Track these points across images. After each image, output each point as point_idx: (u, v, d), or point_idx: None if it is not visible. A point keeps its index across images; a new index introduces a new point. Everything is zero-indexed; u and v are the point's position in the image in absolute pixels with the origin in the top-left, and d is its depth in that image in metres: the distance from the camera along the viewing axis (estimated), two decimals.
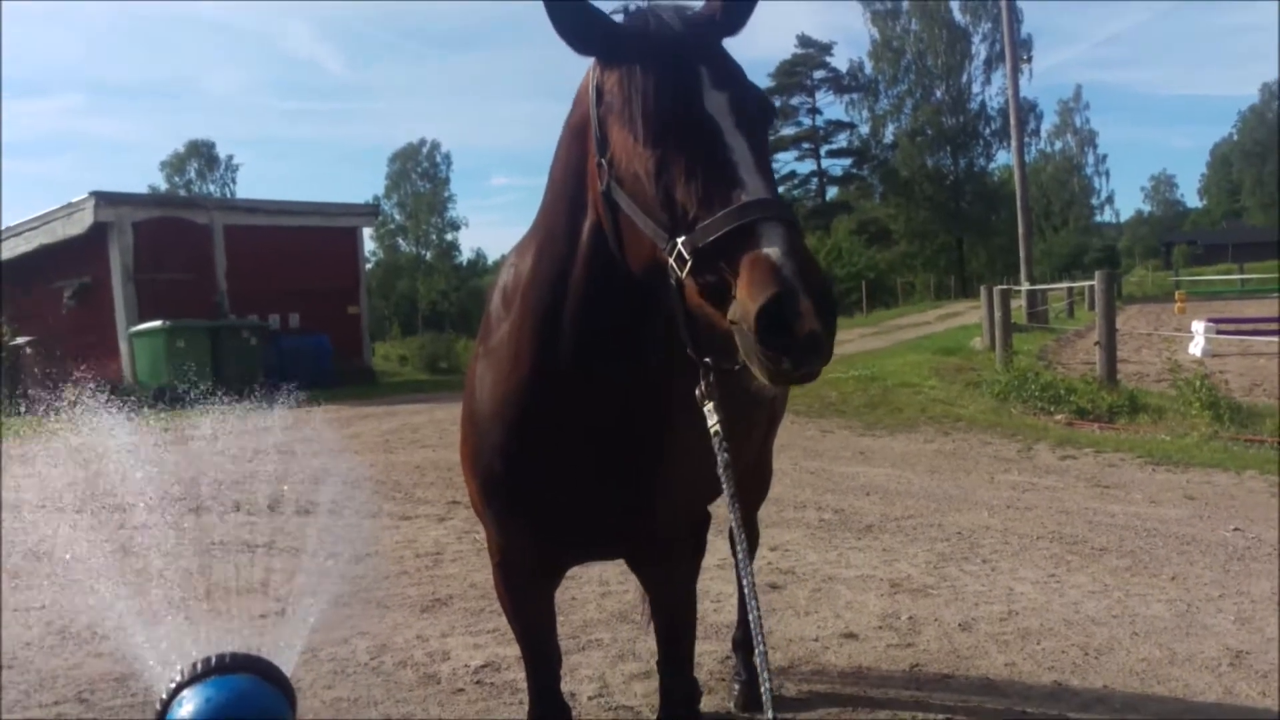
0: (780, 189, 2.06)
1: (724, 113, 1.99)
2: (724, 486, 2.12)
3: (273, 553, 6.43)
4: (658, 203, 1.96)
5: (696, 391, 2.14)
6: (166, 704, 2.30)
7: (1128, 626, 5.13)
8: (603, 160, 2.10)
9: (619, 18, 2.17)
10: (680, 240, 1.90)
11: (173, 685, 2.32)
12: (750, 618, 2.10)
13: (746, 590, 2.09)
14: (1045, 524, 7.39)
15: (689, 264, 1.88)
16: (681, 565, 2.92)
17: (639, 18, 2.14)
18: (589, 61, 2.21)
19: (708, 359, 2.10)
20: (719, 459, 2.12)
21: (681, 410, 2.50)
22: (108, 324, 22.26)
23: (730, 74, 2.08)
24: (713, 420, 2.14)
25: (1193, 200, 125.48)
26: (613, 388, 2.43)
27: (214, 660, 2.33)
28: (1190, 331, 20.64)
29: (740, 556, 2.17)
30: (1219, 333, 20.03)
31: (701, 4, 2.23)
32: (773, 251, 1.79)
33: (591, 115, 2.16)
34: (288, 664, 2.52)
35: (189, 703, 2.27)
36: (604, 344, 2.37)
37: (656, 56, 2.03)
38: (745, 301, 1.78)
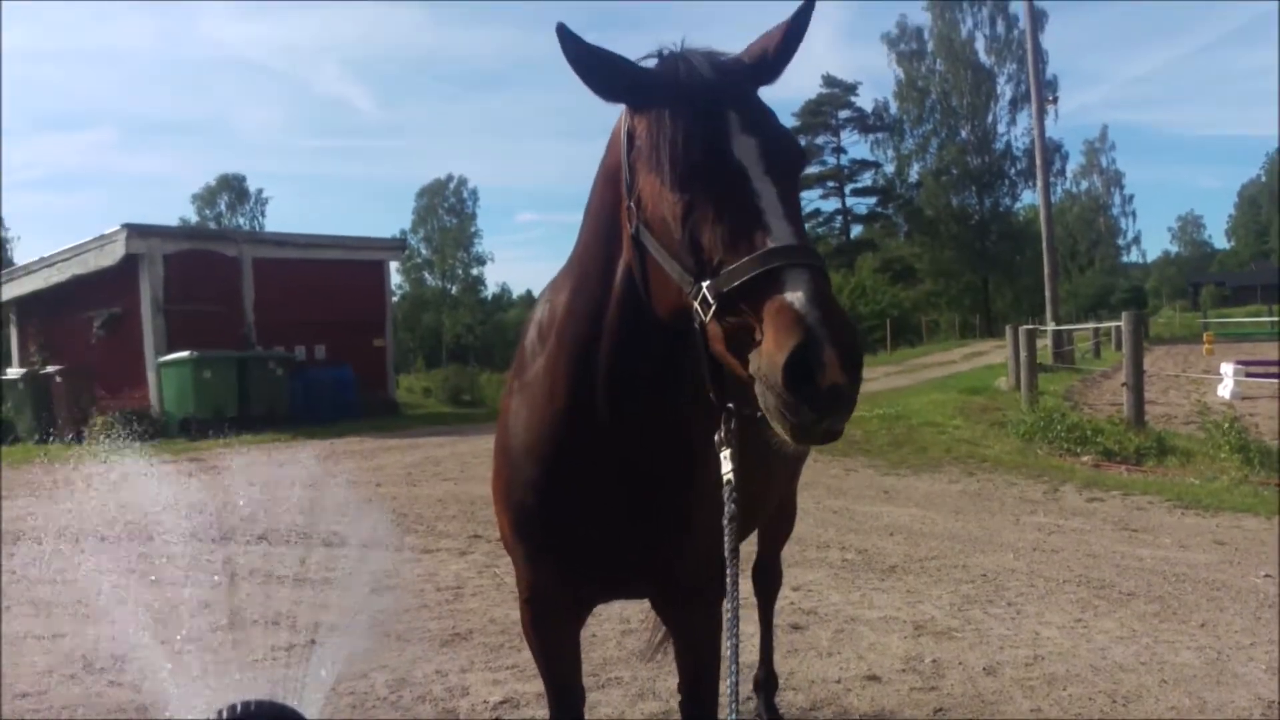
0: (806, 225, 2.05)
1: (753, 158, 1.97)
2: (725, 538, 2.10)
3: (298, 585, 6.44)
4: (684, 247, 1.96)
5: (716, 437, 2.13)
6: None
7: (1156, 674, 5.05)
8: (632, 204, 2.12)
9: (651, 63, 2.17)
10: (705, 285, 1.89)
11: None
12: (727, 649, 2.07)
13: (728, 625, 2.07)
14: (1072, 567, 7.30)
15: (712, 308, 1.88)
16: (709, 606, 2.90)
17: (670, 63, 2.14)
18: (617, 104, 2.23)
19: (729, 405, 2.09)
20: (725, 509, 2.11)
21: (711, 450, 2.51)
22: (136, 354, 22.47)
23: (760, 120, 2.06)
24: (726, 468, 2.12)
25: (1220, 241, 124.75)
26: (645, 426, 2.43)
27: (239, 708, 2.34)
28: (1219, 373, 20.45)
29: (730, 586, 2.10)
30: (1248, 375, 19.83)
31: (745, 48, 2.22)
32: (796, 299, 1.77)
33: (622, 159, 2.17)
34: (315, 704, 2.52)
35: None
36: (637, 383, 2.37)
37: (685, 102, 2.03)
38: (769, 351, 1.76)
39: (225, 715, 2.32)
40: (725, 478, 2.11)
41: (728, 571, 2.10)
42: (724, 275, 1.86)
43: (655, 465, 2.47)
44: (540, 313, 2.67)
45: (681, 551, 2.60)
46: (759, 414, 1.92)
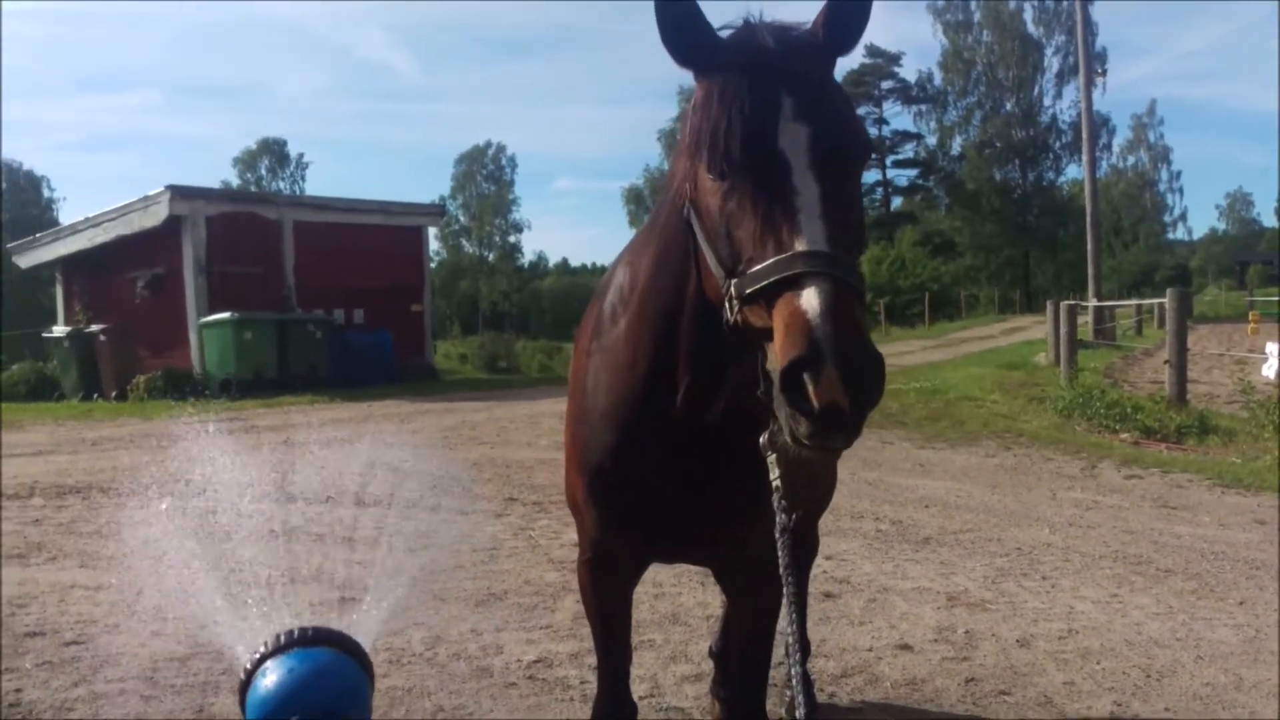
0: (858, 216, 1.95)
1: (800, 149, 1.86)
2: (779, 551, 2.00)
3: (334, 543, 6.53)
4: (720, 237, 1.90)
5: (760, 441, 2.02)
6: (251, 674, 2.36)
7: (1192, 650, 5.01)
8: (687, 185, 2.06)
9: (728, 33, 2.04)
10: (733, 281, 1.85)
11: (257, 656, 2.38)
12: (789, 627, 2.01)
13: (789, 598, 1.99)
14: (1108, 543, 7.24)
15: (737, 309, 1.84)
16: (773, 577, 2.91)
17: (738, 35, 2.02)
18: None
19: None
20: (778, 519, 2.01)
21: None
22: (179, 314, 22.77)
23: (819, 105, 1.92)
24: (774, 474, 2.02)
25: (1269, 219, 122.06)
26: (722, 394, 2.40)
27: (296, 633, 2.39)
28: (1264, 353, 20.08)
29: (787, 563, 2.02)
30: None
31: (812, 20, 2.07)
32: (810, 309, 1.68)
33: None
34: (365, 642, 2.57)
35: (272, 673, 2.33)
36: (716, 353, 2.33)
37: (736, 81, 1.91)
38: (773, 357, 1.72)
39: (283, 639, 2.38)
40: (774, 484, 2.02)
41: (785, 592, 2.00)
42: (749, 275, 1.80)
43: (733, 435, 2.44)
44: (621, 277, 2.63)
45: (754, 521, 2.58)
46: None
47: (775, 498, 2.02)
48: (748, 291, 1.78)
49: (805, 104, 1.90)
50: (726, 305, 1.87)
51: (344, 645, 2.44)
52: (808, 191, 1.82)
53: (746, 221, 1.83)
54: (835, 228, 1.81)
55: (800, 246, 1.76)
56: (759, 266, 1.77)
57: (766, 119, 1.87)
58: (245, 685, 2.37)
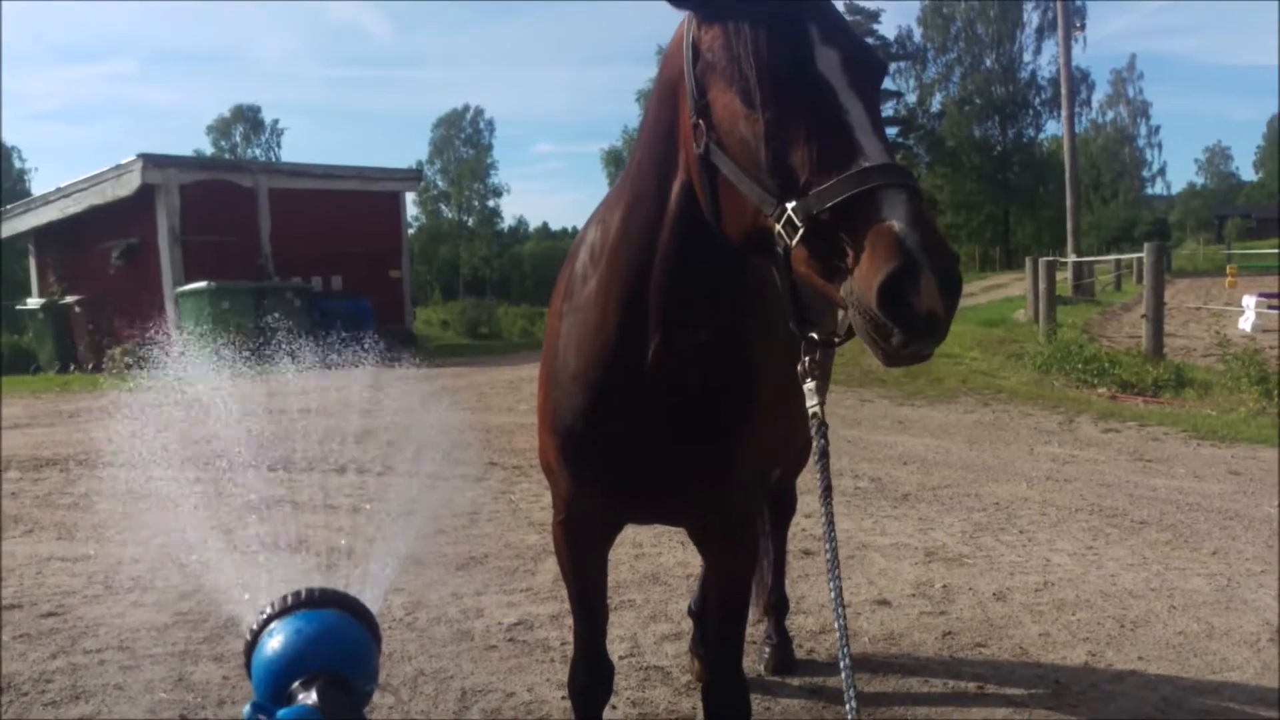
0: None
1: (836, 71, 1.87)
2: (819, 475, 2.02)
3: (310, 510, 6.53)
4: (766, 167, 1.85)
5: (798, 368, 2.03)
6: (257, 634, 2.36)
7: (1165, 600, 5.08)
8: (700, 121, 2.01)
9: None
10: (791, 205, 1.79)
11: (264, 617, 2.37)
12: (833, 597, 2.02)
13: (830, 567, 2.01)
14: (1085, 496, 7.31)
15: (800, 231, 1.78)
16: (749, 536, 2.91)
17: None
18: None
19: (812, 334, 1.99)
20: (815, 444, 2.03)
21: (758, 376, 2.51)
22: (154, 284, 22.54)
23: (840, 29, 1.95)
24: (812, 402, 2.02)
25: (1248, 173, 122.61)
26: (695, 350, 2.39)
27: (304, 594, 2.38)
28: (1240, 306, 20.25)
29: (827, 527, 2.03)
30: (1270, 308, 19.63)
31: None
32: (896, 222, 1.67)
33: (687, 74, 2.06)
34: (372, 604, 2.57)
35: (279, 634, 2.32)
36: (688, 306, 2.34)
37: (764, 13, 1.91)
38: (864, 274, 1.68)
39: (289, 600, 2.37)
40: (811, 411, 2.02)
41: (822, 510, 2.03)
42: (814, 196, 1.76)
43: (705, 392, 2.44)
44: (593, 235, 2.59)
45: (729, 479, 2.59)
46: (838, 339, 1.90)
47: (814, 424, 2.04)
48: (818, 210, 1.75)
49: (829, 29, 1.93)
50: (779, 232, 1.82)
51: (351, 607, 2.44)
52: (855, 110, 1.84)
53: (801, 146, 1.81)
54: (886, 141, 1.84)
55: (865, 162, 1.76)
56: (826, 185, 1.75)
57: (803, 45, 1.89)
58: (251, 646, 2.37)
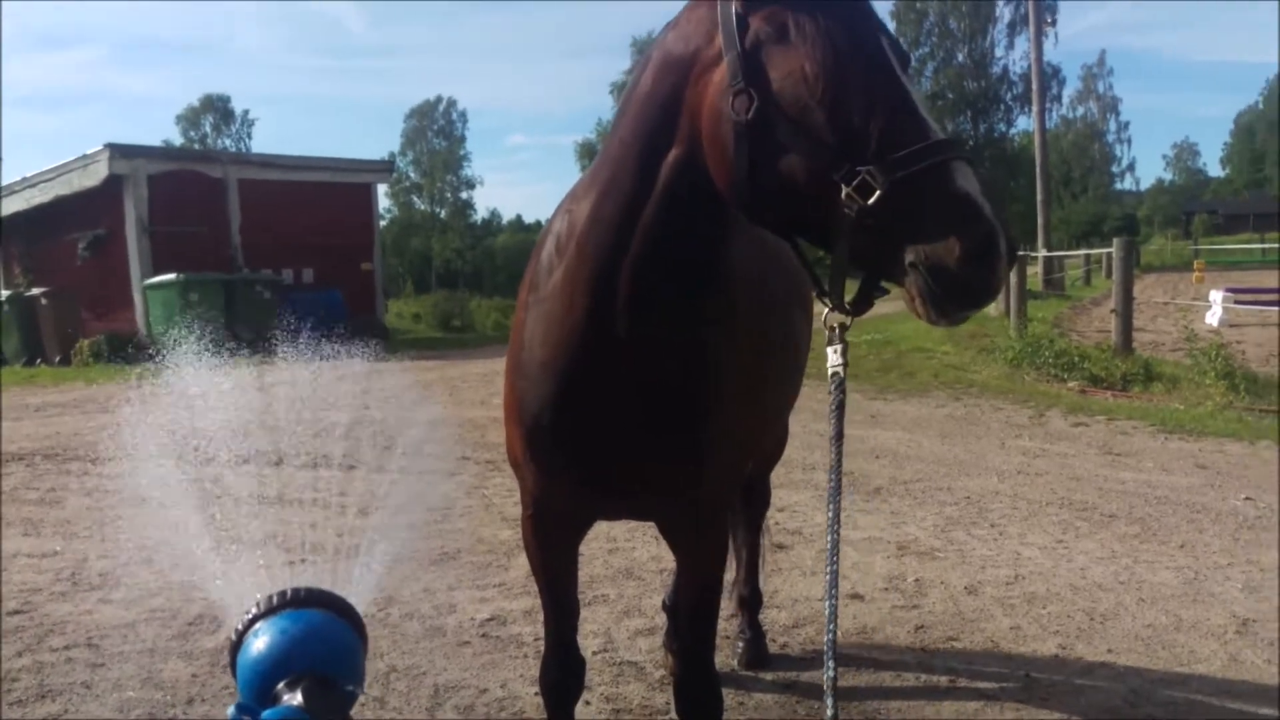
0: None
1: (890, 55, 1.99)
2: (831, 426, 2.12)
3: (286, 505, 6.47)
4: (837, 135, 1.92)
5: (826, 331, 2.11)
6: (242, 635, 2.33)
7: (1134, 593, 5.12)
8: (750, 89, 2.02)
9: None
10: (866, 169, 1.85)
11: (248, 617, 2.34)
12: (827, 607, 2.08)
13: (829, 572, 2.09)
14: (1055, 490, 7.37)
15: (878, 194, 1.83)
16: (718, 530, 2.90)
17: None
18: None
19: (844, 302, 2.06)
20: (833, 399, 2.12)
21: (730, 365, 2.50)
22: (122, 276, 22.32)
23: (880, 21, 2.08)
24: (836, 361, 2.11)
25: (1215, 169, 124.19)
26: (666, 338, 2.38)
27: (289, 594, 2.35)
28: (1208, 301, 20.48)
29: (833, 516, 2.11)
30: (1237, 303, 19.88)
31: None
32: (974, 190, 1.81)
33: (729, 45, 2.08)
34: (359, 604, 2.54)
35: (264, 634, 2.29)
36: (661, 292, 2.32)
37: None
38: (948, 236, 1.78)
39: (275, 600, 2.34)
40: (832, 371, 2.11)
41: (829, 479, 2.12)
42: (894, 161, 1.84)
43: (675, 382, 2.43)
44: (559, 225, 2.56)
45: (700, 471, 2.57)
46: (857, 312, 2.01)
47: (833, 384, 2.11)
48: (901, 174, 1.83)
49: (875, 20, 2.06)
50: (848, 194, 1.86)
51: (337, 607, 2.41)
52: (913, 91, 1.97)
53: (875, 115, 1.90)
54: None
55: (935, 136, 1.88)
56: (909, 151, 1.83)
57: (866, 26, 2.01)
58: (236, 647, 2.34)
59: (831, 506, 2.10)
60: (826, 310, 2.08)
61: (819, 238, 2.00)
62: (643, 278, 2.31)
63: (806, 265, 2.06)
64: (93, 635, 4.61)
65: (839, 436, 2.12)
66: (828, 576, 2.10)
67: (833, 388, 2.11)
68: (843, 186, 1.87)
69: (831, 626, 2.08)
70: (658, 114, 2.22)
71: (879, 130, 1.88)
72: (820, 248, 2.02)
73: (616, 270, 2.32)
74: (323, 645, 2.30)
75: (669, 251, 2.28)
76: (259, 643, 2.28)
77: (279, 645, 2.27)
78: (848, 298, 2.04)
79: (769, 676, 4.20)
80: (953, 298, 1.81)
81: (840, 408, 2.11)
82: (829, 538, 2.10)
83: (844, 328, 2.08)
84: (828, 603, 2.07)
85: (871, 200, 1.84)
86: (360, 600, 2.68)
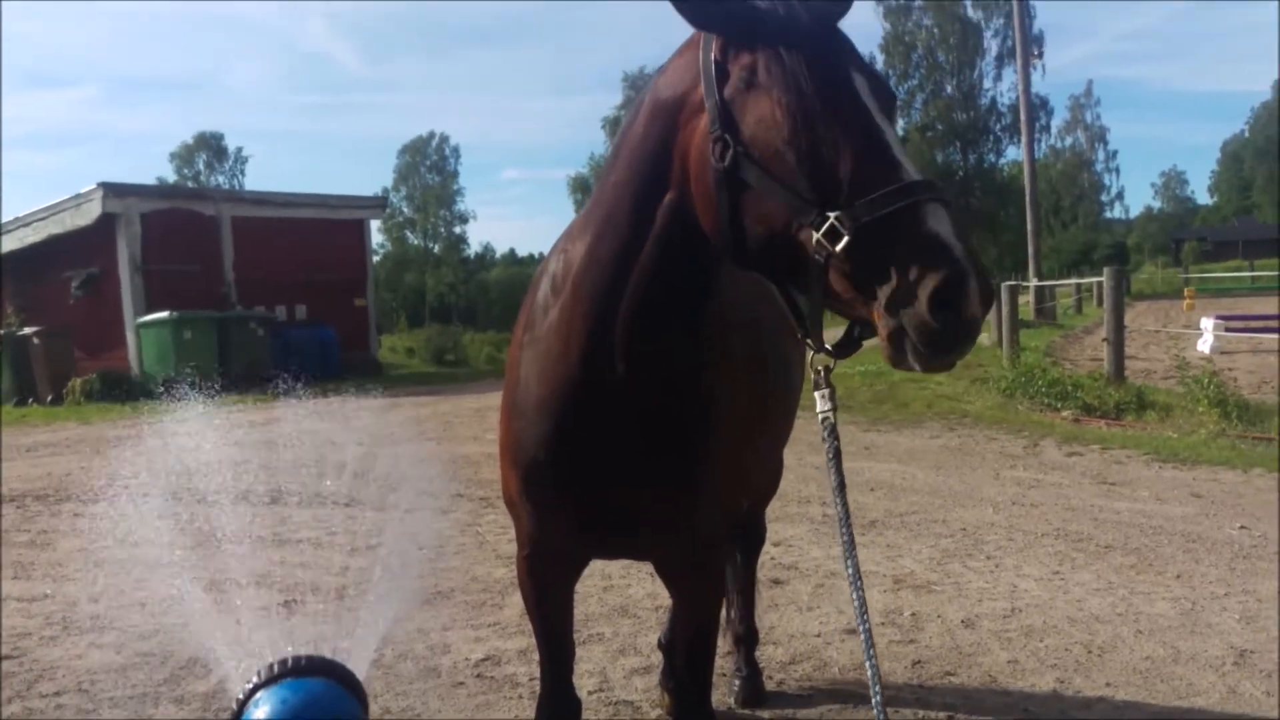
0: None
1: (868, 97, 1.97)
2: (830, 475, 2.12)
3: (285, 545, 6.44)
4: (806, 179, 1.91)
5: (813, 376, 2.12)
6: (243, 704, 2.31)
7: (1131, 624, 5.10)
8: (725, 136, 2.03)
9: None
10: (834, 215, 1.84)
11: (249, 686, 2.33)
12: (862, 633, 2.10)
13: (856, 603, 2.11)
14: (1050, 521, 7.36)
15: (845, 239, 1.82)
16: (715, 569, 2.89)
17: (768, 4, 2.09)
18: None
19: (827, 347, 2.05)
20: (827, 446, 2.11)
21: (723, 405, 2.51)
22: (115, 314, 22.31)
23: (861, 60, 2.06)
24: (824, 407, 2.11)
25: (1203, 197, 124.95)
26: (662, 377, 2.38)
27: (290, 662, 2.34)
28: (1199, 328, 20.56)
29: (846, 547, 2.13)
30: (1227, 330, 19.96)
31: None
32: (945, 232, 1.78)
33: (709, 93, 2.09)
34: (360, 667, 2.53)
35: (265, 704, 2.28)
36: (656, 332, 2.32)
37: (801, 40, 1.99)
38: (915, 280, 1.74)
39: (276, 668, 2.33)
40: (822, 417, 2.11)
41: (839, 519, 2.11)
42: (863, 205, 1.82)
43: (671, 420, 2.43)
44: (555, 265, 2.57)
45: (695, 510, 2.57)
46: (841, 355, 2.01)
47: (824, 431, 2.11)
48: (866, 219, 1.81)
49: (855, 59, 2.04)
50: (818, 241, 1.86)
51: (337, 675, 2.40)
52: (890, 132, 1.94)
53: (844, 160, 1.88)
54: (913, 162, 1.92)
55: (907, 178, 1.85)
56: (876, 195, 1.82)
57: (842, 69, 1.99)
58: (237, 716, 2.32)
59: (850, 564, 2.10)
60: (812, 353, 2.07)
61: (798, 282, 1.99)
62: (638, 318, 2.31)
63: (789, 307, 2.05)
64: (83, 680, 4.57)
65: (842, 487, 2.11)
66: (862, 634, 2.10)
67: (825, 435, 2.11)
68: (813, 233, 1.87)
69: (876, 687, 2.08)
70: (650, 159, 2.24)
71: (848, 173, 1.87)
72: (800, 292, 2.01)
73: (612, 310, 2.33)
74: (324, 715, 2.29)
75: (664, 292, 2.29)
76: (259, 714, 2.27)
77: (280, 716, 2.26)
78: (838, 340, 2.04)
79: (766, 715, 4.16)
80: (923, 342, 1.78)
81: (837, 455, 2.11)
82: (853, 595, 2.10)
83: (828, 370, 2.08)
84: (868, 664, 2.07)
85: (839, 246, 1.83)
86: (360, 662, 2.67)
